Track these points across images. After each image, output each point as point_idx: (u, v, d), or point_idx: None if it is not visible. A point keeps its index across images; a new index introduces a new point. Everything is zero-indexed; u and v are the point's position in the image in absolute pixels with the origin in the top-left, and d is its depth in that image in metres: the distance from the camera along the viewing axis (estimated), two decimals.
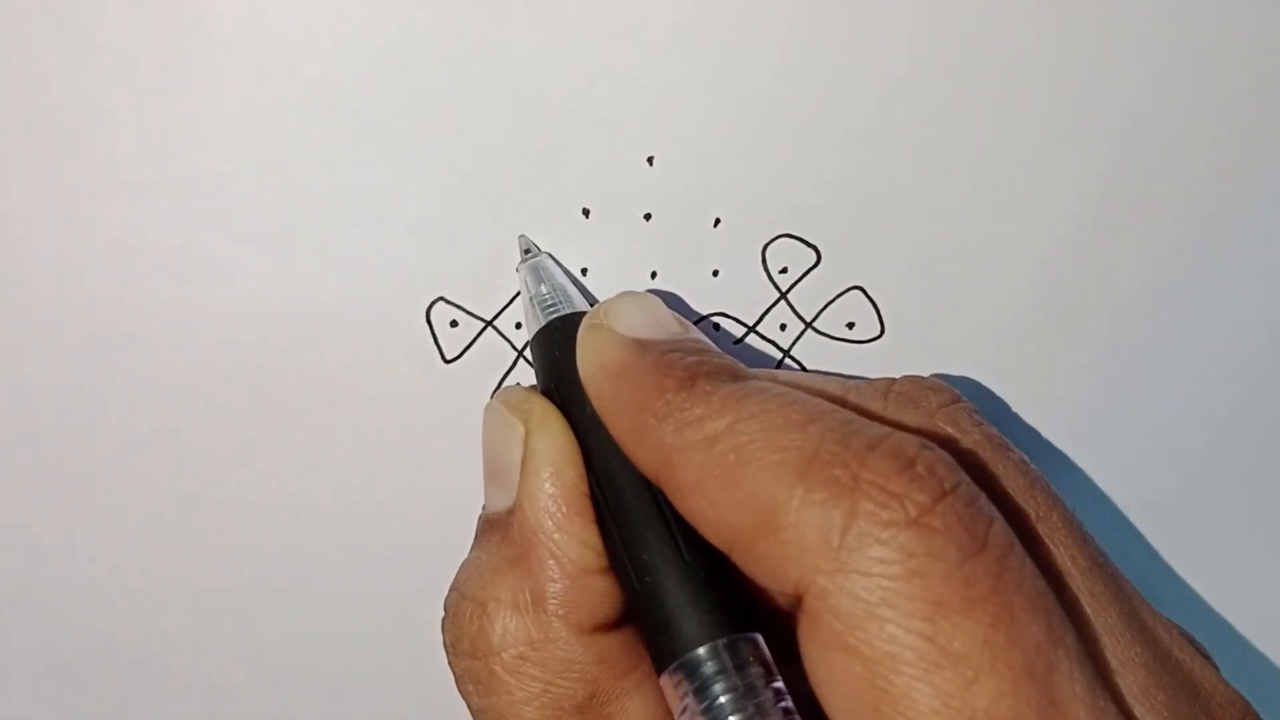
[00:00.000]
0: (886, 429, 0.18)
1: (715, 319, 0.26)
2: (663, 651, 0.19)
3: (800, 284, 0.26)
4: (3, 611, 0.27)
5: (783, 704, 0.18)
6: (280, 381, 0.25)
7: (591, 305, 0.23)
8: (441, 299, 0.25)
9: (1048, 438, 0.28)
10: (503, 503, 0.21)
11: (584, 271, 0.25)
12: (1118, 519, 0.29)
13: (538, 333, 0.22)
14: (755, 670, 0.18)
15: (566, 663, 0.20)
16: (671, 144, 0.24)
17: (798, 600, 0.17)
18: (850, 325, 0.26)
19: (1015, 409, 0.27)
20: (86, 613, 0.27)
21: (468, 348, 0.25)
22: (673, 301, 0.25)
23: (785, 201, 0.25)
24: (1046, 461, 0.28)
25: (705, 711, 0.18)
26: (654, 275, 0.25)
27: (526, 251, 0.24)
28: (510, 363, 0.26)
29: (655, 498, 0.20)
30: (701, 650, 0.18)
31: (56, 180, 0.23)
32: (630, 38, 0.23)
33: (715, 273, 0.25)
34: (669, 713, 0.19)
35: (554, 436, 0.21)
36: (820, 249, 0.26)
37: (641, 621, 0.20)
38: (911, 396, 0.21)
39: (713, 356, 0.20)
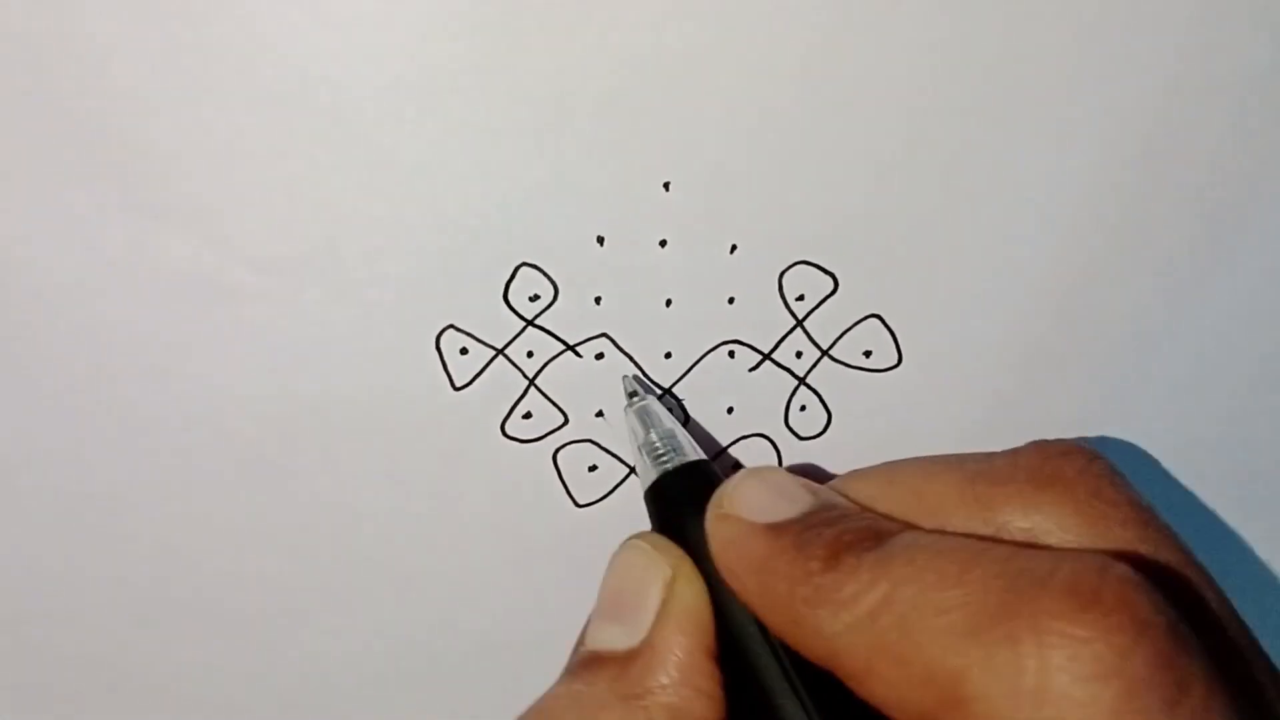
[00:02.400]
0: (1052, 558, 0.16)
1: (731, 346, 0.25)
2: None
3: (817, 311, 0.25)
4: (12, 630, 0.26)
5: None
6: (291, 407, 0.25)
7: (697, 448, 0.23)
8: (451, 326, 0.24)
9: None
10: (621, 641, 0.20)
11: (598, 300, 0.25)
12: None
13: (651, 488, 0.22)
14: None
15: None
16: (688, 169, 0.24)
17: None
18: (867, 354, 0.26)
19: (1032, 435, 0.27)
20: (96, 636, 0.26)
21: (477, 375, 0.25)
22: (688, 327, 0.25)
23: (802, 228, 0.25)
24: None
25: None
26: (669, 303, 0.25)
27: (633, 395, 0.24)
28: (520, 391, 0.25)
29: (782, 665, 0.19)
30: None
31: (70, 207, 0.23)
32: (646, 64, 0.23)
33: (731, 300, 0.25)
34: None
35: (699, 593, 0.20)
36: (838, 276, 0.25)
37: None
38: (1045, 472, 0.19)
39: (851, 522, 0.19)
